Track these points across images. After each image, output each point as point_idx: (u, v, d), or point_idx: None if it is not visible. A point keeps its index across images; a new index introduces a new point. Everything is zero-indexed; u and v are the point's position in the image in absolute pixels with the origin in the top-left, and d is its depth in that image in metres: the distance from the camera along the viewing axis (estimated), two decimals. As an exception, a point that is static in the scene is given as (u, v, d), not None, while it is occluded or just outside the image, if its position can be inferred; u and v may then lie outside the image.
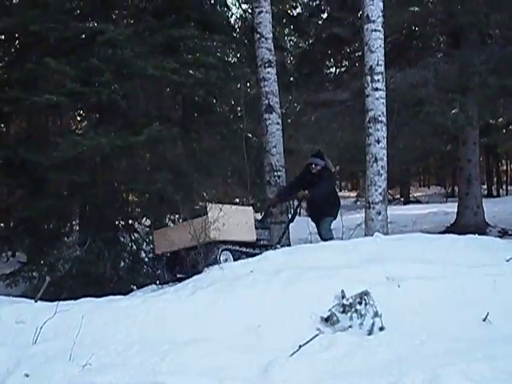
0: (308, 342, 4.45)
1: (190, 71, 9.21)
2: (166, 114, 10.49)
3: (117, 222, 10.59)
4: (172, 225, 9.81)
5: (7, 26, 9.54)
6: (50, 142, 9.68)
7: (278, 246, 8.56)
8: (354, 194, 37.59)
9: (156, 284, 8.02)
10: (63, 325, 5.15)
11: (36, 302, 6.49)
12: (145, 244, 10.51)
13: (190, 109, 10.50)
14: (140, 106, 9.96)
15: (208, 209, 7.56)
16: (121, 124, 9.87)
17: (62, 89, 8.80)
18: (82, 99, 9.16)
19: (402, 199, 29.14)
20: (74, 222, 10.81)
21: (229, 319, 5.07)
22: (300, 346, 4.38)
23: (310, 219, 9.78)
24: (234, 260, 7.65)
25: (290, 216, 9.83)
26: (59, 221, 10.50)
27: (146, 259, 10.21)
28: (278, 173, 10.08)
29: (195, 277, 6.67)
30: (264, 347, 4.46)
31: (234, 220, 7.71)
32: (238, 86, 13.51)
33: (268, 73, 10.17)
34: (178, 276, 8.26)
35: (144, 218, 11.13)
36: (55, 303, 5.64)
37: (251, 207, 8.52)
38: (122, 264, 10.16)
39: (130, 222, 10.83)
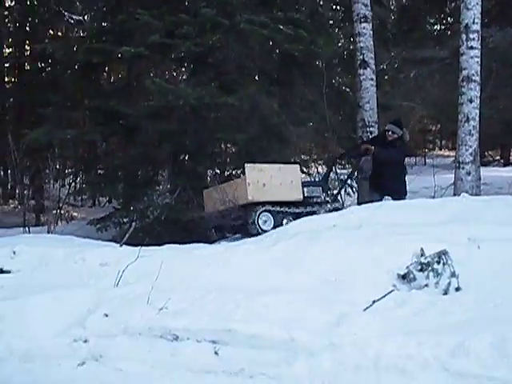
0: (382, 297, 4.34)
1: (280, 26, 9.04)
2: (261, 66, 10.40)
3: (207, 172, 10.70)
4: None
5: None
6: (141, 92, 9.80)
7: (330, 204, 8.37)
8: (453, 153, 36.57)
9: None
10: (144, 269, 5.23)
11: (121, 246, 6.68)
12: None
13: (285, 61, 10.33)
14: (234, 58, 9.91)
15: (246, 169, 7.45)
16: (213, 76, 9.90)
17: (145, 41, 8.87)
18: (166, 52, 9.20)
19: (502, 161, 28.05)
20: (165, 171, 10.96)
21: (306, 271, 4.99)
22: (374, 302, 4.28)
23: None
24: (276, 221, 7.56)
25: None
26: (151, 169, 10.68)
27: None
28: (371, 128, 9.88)
29: (278, 228, 6.71)
30: (338, 300, 4.38)
31: (276, 180, 7.61)
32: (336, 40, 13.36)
33: (363, 28, 9.95)
34: (227, 235, 8.40)
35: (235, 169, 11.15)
36: (138, 248, 5.76)
37: (297, 165, 8.38)
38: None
39: (219, 171, 10.92)
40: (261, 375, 3.76)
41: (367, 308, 4.23)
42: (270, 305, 4.37)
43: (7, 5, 20.16)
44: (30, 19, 19.15)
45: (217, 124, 10.23)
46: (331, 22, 13.47)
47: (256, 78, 9.68)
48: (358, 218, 6.27)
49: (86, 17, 15.81)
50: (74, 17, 16.48)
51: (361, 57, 9.91)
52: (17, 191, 20.02)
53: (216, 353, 4.03)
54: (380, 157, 8.64)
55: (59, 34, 20.03)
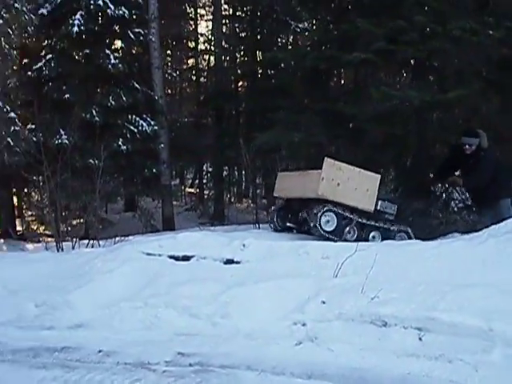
0: None
1: (490, 31, 8.95)
2: (478, 70, 10.34)
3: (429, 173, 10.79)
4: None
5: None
6: (364, 96, 10.21)
7: (402, 226, 7.92)
8: None
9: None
10: (360, 262, 5.68)
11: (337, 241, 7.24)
12: (456, 194, 10.53)
13: (503, 65, 10.16)
14: (452, 63, 9.99)
15: (324, 164, 7.15)
16: (433, 80, 10.07)
17: (370, 47, 9.25)
18: (388, 57, 9.50)
19: None
20: (389, 172, 11.28)
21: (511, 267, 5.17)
22: None
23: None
24: (339, 224, 7.30)
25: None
26: (375, 169, 11.01)
27: (456, 209, 10.24)
28: None
29: (492, 226, 6.66)
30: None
31: (353, 183, 7.30)
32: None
33: None
34: (289, 225, 8.12)
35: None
36: (355, 243, 6.25)
37: (379, 175, 7.80)
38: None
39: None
40: (459, 361, 4.06)
41: None
42: (473, 297, 4.63)
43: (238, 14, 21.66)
44: (259, 29, 20.33)
45: (439, 125, 10.36)
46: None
47: (475, 81, 9.58)
48: None
49: (310, 25, 16.57)
50: (300, 25, 17.39)
51: None
52: (250, 190, 21.45)
53: (420, 339, 4.40)
54: (472, 185, 8.33)
55: (288, 42, 21.09)
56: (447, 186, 9.10)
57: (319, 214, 7.15)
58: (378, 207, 7.68)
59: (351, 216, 7.41)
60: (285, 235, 8.03)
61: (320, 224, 7.16)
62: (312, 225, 7.23)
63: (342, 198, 7.24)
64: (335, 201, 7.25)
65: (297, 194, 7.60)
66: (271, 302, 5.22)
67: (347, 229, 7.43)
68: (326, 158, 7.19)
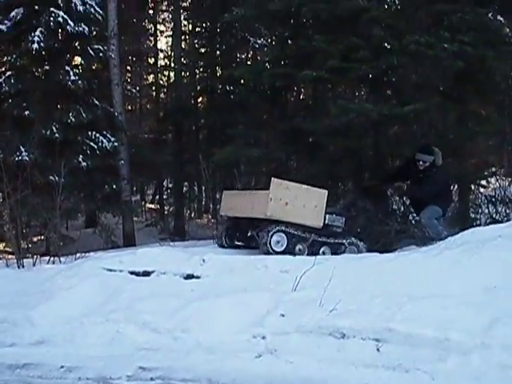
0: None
1: (445, 45, 9.13)
2: (435, 84, 10.55)
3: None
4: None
5: (284, 7, 10.36)
6: (322, 111, 10.34)
7: (353, 239, 7.89)
8: None
9: None
10: (319, 276, 5.72)
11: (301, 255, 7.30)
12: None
13: (459, 78, 10.38)
14: (409, 77, 10.18)
15: (272, 184, 7.08)
16: (390, 95, 10.25)
17: (325, 65, 9.39)
18: (343, 74, 9.64)
19: None
20: (347, 186, 11.41)
21: (467, 278, 5.27)
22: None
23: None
24: (289, 244, 7.22)
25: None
26: (333, 184, 11.13)
27: (413, 222, 10.36)
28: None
29: (448, 239, 6.82)
30: (495, 306, 4.63)
31: (301, 201, 7.22)
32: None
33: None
34: (237, 243, 8.06)
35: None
36: (313, 257, 6.33)
37: (326, 191, 7.65)
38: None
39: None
40: (416, 370, 4.17)
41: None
42: (429, 308, 4.74)
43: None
44: (218, 45, 20.46)
45: (396, 140, 10.53)
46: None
47: (432, 95, 9.78)
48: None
49: (269, 40, 16.73)
50: (259, 41, 17.53)
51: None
52: (210, 206, 21.48)
53: (378, 349, 4.49)
54: (417, 196, 8.53)
55: (247, 57, 21.26)
56: (391, 192, 9.17)
57: (269, 235, 7.09)
58: (326, 221, 7.63)
59: (301, 234, 7.36)
60: (243, 250, 8.05)
61: (270, 244, 7.11)
62: (262, 244, 7.17)
63: (291, 216, 7.19)
64: (284, 220, 7.20)
65: (245, 213, 7.52)
66: (231, 315, 5.27)
67: (297, 247, 7.36)
68: (273, 179, 7.17)
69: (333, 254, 7.53)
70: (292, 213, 7.13)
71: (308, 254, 7.28)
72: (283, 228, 7.17)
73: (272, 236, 7.09)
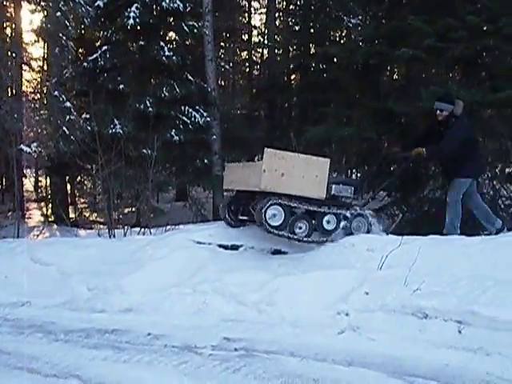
0: None
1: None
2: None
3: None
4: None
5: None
6: (415, 92, 10.23)
7: (358, 208, 7.38)
8: None
9: None
10: (404, 255, 5.80)
11: (387, 234, 7.31)
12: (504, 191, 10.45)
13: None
14: (503, 60, 9.92)
15: (265, 155, 6.52)
16: (484, 78, 10.04)
17: (420, 44, 9.28)
18: (438, 54, 9.50)
19: None
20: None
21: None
22: None
23: None
24: (287, 218, 6.68)
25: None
26: (423, 165, 11.00)
27: (503, 206, 10.14)
28: None
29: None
30: None
31: (299, 171, 6.64)
32: None
33: None
34: (241, 218, 7.56)
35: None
36: (400, 237, 6.37)
37: (328, 159, 7.02)
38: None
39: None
40: (497, 354, 4.16)
41: None
42: (514, 292, 4.72)
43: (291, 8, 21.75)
44: (311, 23, 20.40)
45: (490, 123, 10.32)
46: None
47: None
48: None
49: (363, 19, 16.59)
50: (353, 21, 17.43)
51: None
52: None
53: (459, 331, 4.50)
54: (436, 155, 7.82)
55: (340, 36, 21.13)
56: (411, 161, 8.39)
57: (264, 208, 6.58)
58: (333, 192, 7.21)
59: (301, 206, 6.85)
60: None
61: (266, 218, 6.58)
62: (258, 219, 6.70)
63: (288, 188, 6.63)
64: (280, 192, 6.65)
65: (243, 186, 7.11)
66: (316, 291, 5.37)
67: (297, 221, 6.84)
68: (266, 149, 6.57)
69: (338, 223, 7.12)
70: (289, 184, 6.60)
71: (310, 227, 6.91)
72: (279, 201, 6.65)
73: (267, 210, 6.59)
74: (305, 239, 6.88)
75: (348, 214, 7.20)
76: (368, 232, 7.24)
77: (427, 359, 4.22)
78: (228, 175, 7.63)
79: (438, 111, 7.73)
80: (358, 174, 14.62)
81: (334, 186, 7.19)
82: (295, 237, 6.83)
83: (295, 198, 6.75)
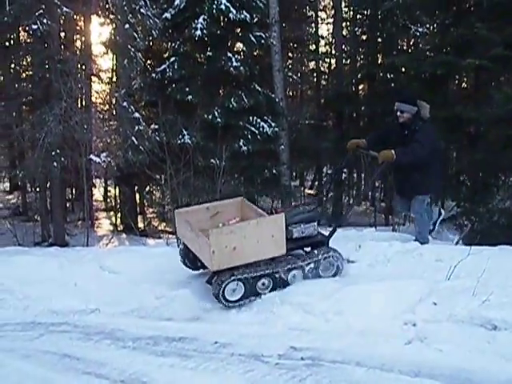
0: None
1: None
2: None
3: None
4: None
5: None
6: (484, 100, 10.12)
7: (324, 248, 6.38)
8: None
9: None
10: (473, 266, 5.75)
11: (456, 244, 7.25)
12: None
13: None
14: None
15: (210, 236, 5.74)
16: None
17: (487, 52, 9.19)
18: (506, 63, 9.37)
19: None
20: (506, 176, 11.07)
21: None
22: None
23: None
24: (247, 289, 5.93)
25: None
26: (492, 174, 10.86)
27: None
28: None
29: None
30: None
31: (252, 238, 5.89)
32: None
33: None
34: (188, 266, 6.92)
35: None
36: (469, 247, 6.31)
37: (282, 214, 6.14)
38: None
39: None
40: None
41: None
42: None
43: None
44: (378, 32, 20.32)
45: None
46: None
47: None
48: None
49: (430, 28, 16.44)
50: (420, 29, 17.27)
51: None
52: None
53: (529, 344, 4.45)
54: (404, 160, 6.75)
55: (408, 45, 20.96)
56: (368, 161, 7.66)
57: (221, 290, 5.86)
58: (295, 235, 6.40)
59: (260, 270, 6.04)
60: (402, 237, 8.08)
61: (224, 295, 5.89)
62: (214, 295, 5.93)
63: (244, 259, 5.94)
64: (236, 266, 5.95)
65: (196, 252, 6.37)
66: (383, 301, 5.36)
67: (259, 284, 6.03)
68: (210, 230, 5.80)
69: (305, 275, 6.28)
70: (244, 255, 5.93)
71: (273, 286, 6.12)
72: (237, 275, 5.92)
73: (226, 287, 5.89)
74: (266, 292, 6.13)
75: (312, 265, 6.27)
76: (336, 273, 6.40)
77: (496, 371, 4.17)
78: (178, 225, 6.90)
79: (399, 112, 7.06)
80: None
81: (294, 230, 6.41)
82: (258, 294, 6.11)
83: (254, 265, 6.03)
